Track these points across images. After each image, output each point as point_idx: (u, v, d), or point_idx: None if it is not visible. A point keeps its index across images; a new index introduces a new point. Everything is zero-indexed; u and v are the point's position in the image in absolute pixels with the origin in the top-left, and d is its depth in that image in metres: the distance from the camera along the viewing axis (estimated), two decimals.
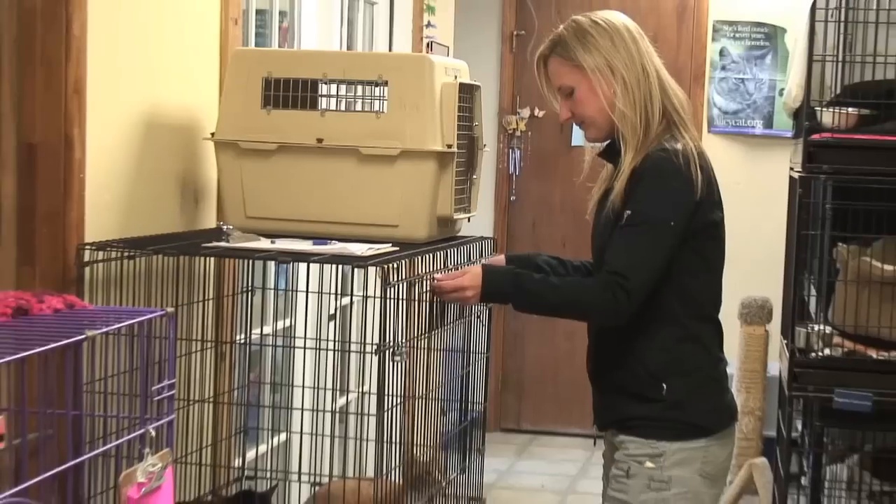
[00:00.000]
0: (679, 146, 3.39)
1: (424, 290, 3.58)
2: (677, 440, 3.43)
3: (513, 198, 8.73)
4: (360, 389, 4.72)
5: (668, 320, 3.45)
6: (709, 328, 3.56)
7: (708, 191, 3.42)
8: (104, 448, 2.39)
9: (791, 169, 5.80)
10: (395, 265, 3.40)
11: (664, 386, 3.45)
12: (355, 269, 3.44)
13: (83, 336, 2.18)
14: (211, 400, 3.87)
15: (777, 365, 6.37)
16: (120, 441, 2.38)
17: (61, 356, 2.15)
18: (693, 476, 3.43)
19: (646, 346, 3.47)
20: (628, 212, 3.36)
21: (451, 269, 3.69)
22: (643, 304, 3.38)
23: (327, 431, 4.07)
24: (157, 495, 2.32)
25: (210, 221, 4.10)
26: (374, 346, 3.36)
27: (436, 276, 3.50)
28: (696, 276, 3.47)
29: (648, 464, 3.44)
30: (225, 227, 3.72)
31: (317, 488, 3.83)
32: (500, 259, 3.75)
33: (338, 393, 4.48)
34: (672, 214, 3.36)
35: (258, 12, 4.94)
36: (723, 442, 3.52)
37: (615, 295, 3.32)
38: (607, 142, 3.55)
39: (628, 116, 3.42)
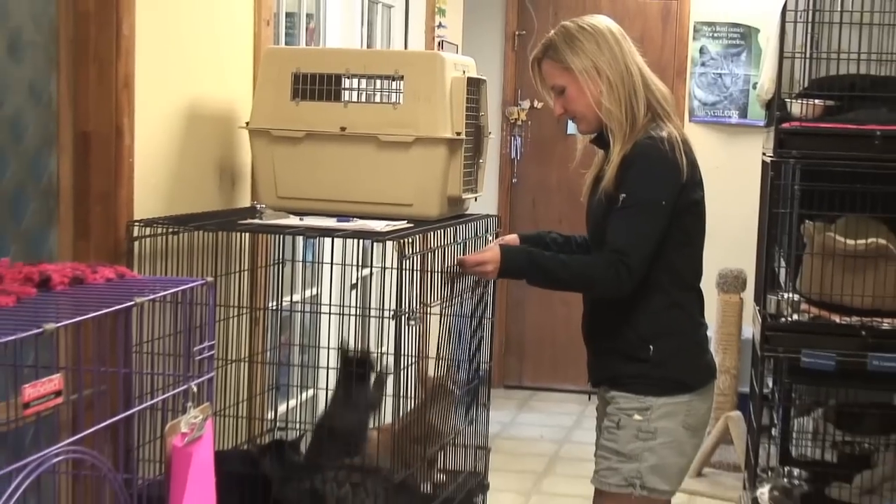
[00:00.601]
0: (664, 134, 3.40)
1: (438, 264, 3.60)
2: (663, 395, 3.46)
3: (514, 180, 8.72)
4: (379, 350, 4.72)
5: (656, 290, 3.47)
6: (691, 296, 3.60)
7: (691, 173, 3.44)
8: (151, 402, 2.40)
9: (763, 154, 5.78)
10: (410, 240, 3.41)
11: (651, 347, 3.47)
12: (375, 244, 3.42)
13: (132, 303, 2.18)
14: (246, 360, 3.88)
15: (750, 329, 6.36)
16: (165, 396, 2.38)
17: (113, 320, 2.15)
18: (677, 427, 3.47)
19: (635, 312, 3.49)
20: (623, 195, 3.38)
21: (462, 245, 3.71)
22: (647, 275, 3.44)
23: None
24: (199, 444, 2.33)
25: (245, 201, 4.10)
26: (391, 312, 3.36)
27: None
28: (680, 250, 3.49)
29: (637, 416, 3.46)
30: (258, 205, 3.72)
31: None
32: (513, 238, 3.76)
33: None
34: (662, 194, 3.39)
35: (288, 15, 4.94)
36: (703, 397, 3.56)
37: (618, 271, 3.36)
38: (597, 132, 3.57)
39: (614, 112, 3.44)
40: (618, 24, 3.62)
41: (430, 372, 3.70)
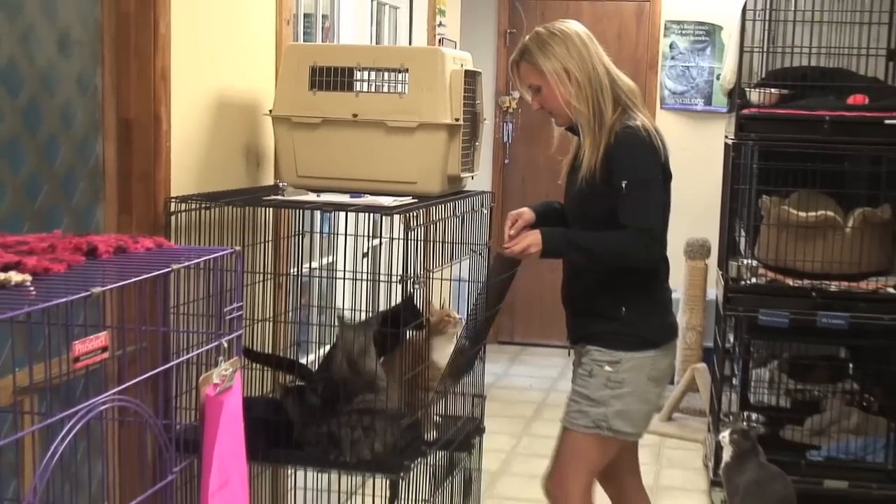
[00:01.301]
0: (638, 122, 3.43)
1: (439, 235, 3.60)
2: (631, 350, 3.51)
3: (506, 161, 8.71)
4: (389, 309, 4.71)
5: None
6: (660, 264, 3.62)
7: (665, 154, 3.51)
8: (187, 357, 2.39)
9: (726, 137, 5.78)
10: (415, 213, 3.40)
11: (623, 308, 3.51)
12: (383, 217, 3.42)
13: (170, 269, 2.18)
14: (270, 319, 3.87)
15: (714, 291, 6.37)
16: (199, 351, 2.38)
17: (153, 285, 2.14)
18: (642, 379, 3.52)
19: (611, 278, 3.50)
20: (624, 182, 3.41)
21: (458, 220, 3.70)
22: None
23: None
24: (229, 393, 2.32)
25: (268, 180, 4.09)
26: (399, 277, 3.35)
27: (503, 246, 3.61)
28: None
29: (607, 368, 3.50)
30: (280, 184, 3.71)
31: None
32: (525, 210, 3.74)
33: (370, 314, 4.48)
34: (655, 171, 3.46)
35: (306, 15, 4.92)
36: (666, 352, 3.60)
37: (647, 245, 3.45)
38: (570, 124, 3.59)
39: (581, 110, 3.47)
40: (586, 28, 3.62)
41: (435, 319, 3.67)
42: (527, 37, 3.58)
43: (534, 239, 3.51)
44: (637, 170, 3.43)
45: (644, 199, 3.44)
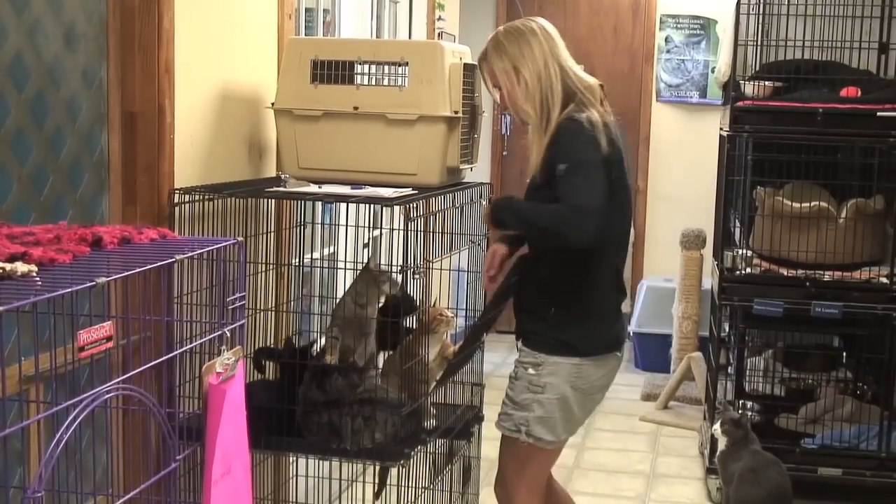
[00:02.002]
0: (584, 116, 3.28)
1: (439, 226, 3.59)
2: (553, 354, 3.37)
3: (505, 153, 8.70)
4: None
5: (568, 259, 3.34)
6: (603, 270, 3.41)
7: (610, 151, 3.27)
8: (190, 346, 2.39)
9: (721, 129, 5.77)
10: (415, 204, 3.39)
11: (552, 309, 3.38)
12: (384, 208, 3.41)
13: (173, 259, 2.17)
14: (272, 309, 3.87)
15: (709, 280, 6.36)
16: (202, 340, 2.38)
17: (157, 275, 2.14)
18: (565, 386, 3.37)
19: (548, 276, 3.39)
20: (561, 166, 3.22)
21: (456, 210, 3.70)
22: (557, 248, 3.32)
23: None
24: (232, 382, 2.32)
25: (271, 171, 4.09)
26: (399, 267, 3.35)
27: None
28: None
29: (531, 370, 3.39)
30: (283, 175, 3.71)
31: None
32: (498, 247, 3.59)
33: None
34: (595, 154, 3.23)
35: (307, 10, 4.91)
36: (598, 365, 3.41)
37: (580, 221, 3.15)
38: None
39: (529, 112, 3.38)
40: (551, 24, 3.49)
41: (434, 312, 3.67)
42: (489, 36, 3.53)
43: (486, 213, 3.48)
44: (574, 154, 3.23)
45: (579, 179, 3.19)
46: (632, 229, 3.63)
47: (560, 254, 3.36)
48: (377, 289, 3.42)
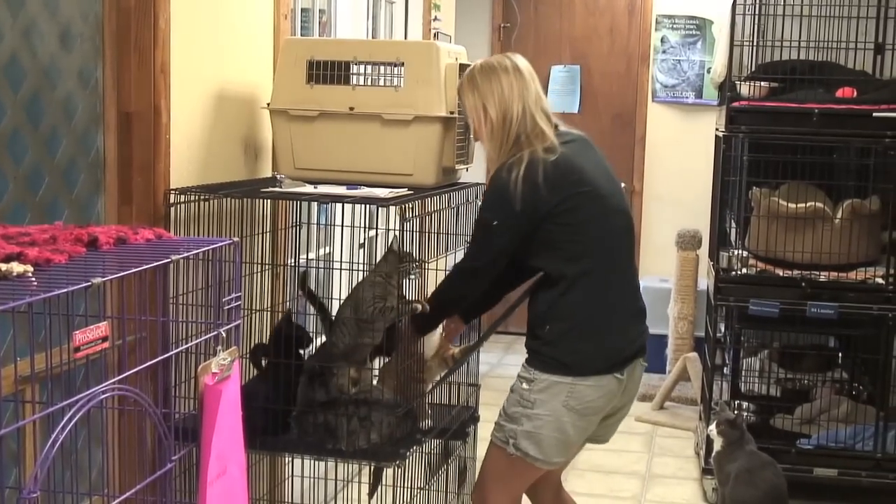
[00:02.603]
0: (514, 159, 3.32)
1: (434, 226, 3.60)
2: (545, 372, 3.36)
3: None
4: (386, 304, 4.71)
5: (557, 278, 3.36)
6: (588, 282, 3.38)
7: (534, 197, 3.29)
8: (186, 346, 2.39)
9: (716, 129, 5.78)
10: (410, 205, 3.40)
11: (547, 327, 3.39)
12: (380, 208, 3.42)
13: (169, 260, 2.18)
14: (268, 309, 3.87)
15: (705, 281, 6.37)
16: (198, 341, 2.38)
17: (152, 275, 2.14)
18: (556, 404, 3.35)
19: (543, 296, 3.41)
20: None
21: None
22: (542, 266, 3.37)
23: None
24: (228, 382, 2.32)
25: (266, 171, 4.09)
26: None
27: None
28: (566, 246, 3.34)
29: (524, 385, 3.39)
30: (278, 176, 3.71)
31: None
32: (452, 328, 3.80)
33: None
34: (500, 215, 3.33)
35: (303, 10, 4.91)
36: (594, 385, 3.37)
37: (464, 282, 3.51)
38: None
39: (489, 150, 3.44)
40: (526, 62, 3.49)
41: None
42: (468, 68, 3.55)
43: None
44: (482, 209, 3.42)
45: (477, 236, 3.44)
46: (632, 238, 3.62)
47: (555, 276, 3.37)
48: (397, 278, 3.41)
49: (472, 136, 3.64)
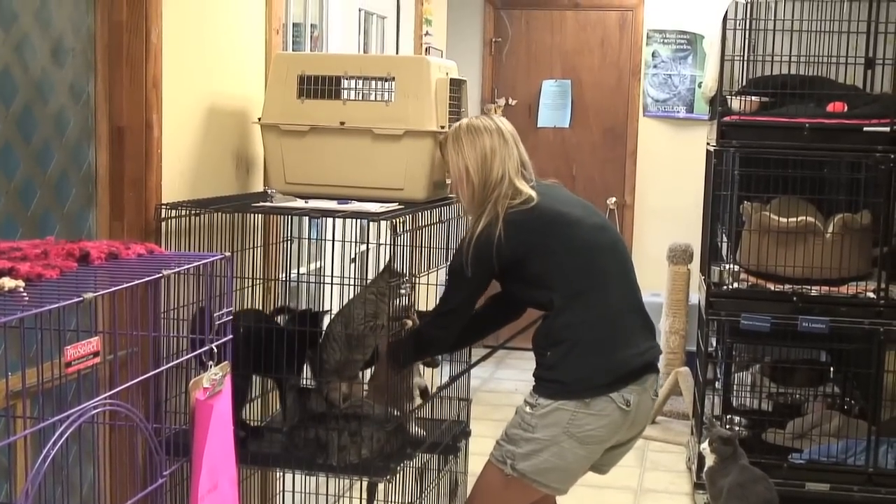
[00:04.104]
0: (483, 229, 3.38)
1: (425, 240, 3.61)
2: (549, 398, 3.38)
3: None
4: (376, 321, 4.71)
5: (549, 306, 3.41)
6: (581, 302, 3.41)
7: (502, 247, 3.36)
8: (177, 361, 2.40)
9: (707, 144, 5.79)
10: (402, 219, 3.41)
11: (548, 353, 3.42)
12: (370, 223, 3.43)
13: (161, 275, 2.18)
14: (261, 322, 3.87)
15: (697, 295, 6.38)
16: (189, 356, 2.38)
17: (144, 290, 2.15)
18: (558, 430, 3.36)
19: (541, 327, 3.46)
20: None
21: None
22: (536, 298, 3.45)
23: None
24: (219, 397, 2.33)
25: (258, 186, 4.09)
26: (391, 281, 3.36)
27: None
28: (548, 277, 3.40)
29: (527, 409, 3.42)
30: (269, 190, 3.72)
31: None
32: None
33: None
34: (465, 266, 3.38)
35: (295, 25, 4.92)
36: (595, 413, 3.37)
37: (437, 319, 3.56)
38: None
39: (468, 210, 3.50)
40: (510, 125, 3.56)
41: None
42: (455, 124, 3.57)
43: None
44: (455, 257, 3.46)
45: (448, 284, 3.50)
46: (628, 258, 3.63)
47: (547, 304, 3.42)
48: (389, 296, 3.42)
49: (448, 189, 3.67)
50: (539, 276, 3.41)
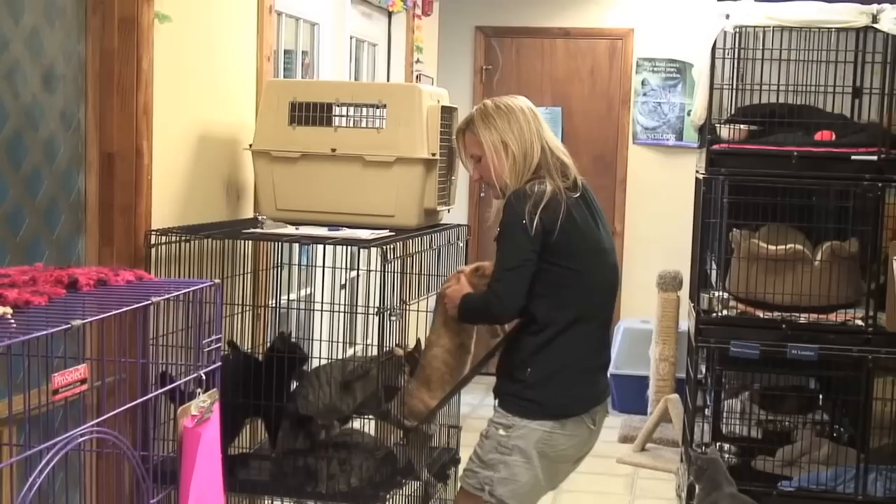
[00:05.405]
0: (535, 187, 3.32)
1: (416, 267, 3.59)
2: (525, 418, 3.35)
3: (482, 194, 8.70)
4: (365, 342, 4.71)
5: (544, 323, 3.35)
6: (578, 331, 3.40)
7: (547, 227, 3.30)
8: (166, 388, 2.38)
9: (697, 172, 5.80)
10: (392, 246, 3.40)
11: (528, 370, 3.36)
12: (361, 249, 3.42)
13: (149, 301, 2.17)
14: (249, 350, 3.86)
15: (686, 322, 6.37)
16: (178, 383, 2.37)
17: (132, 317, 2.14)
18: (533, 451, 3.34)
19: (527, 340, 3.38)
20: (498, 230, 3.37)
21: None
22: (531, 310, 3.34)
23: None
24: (207, 425, 2.31)
25: (248, 212, 4.09)
26: (376, 309, 3.35)
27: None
28: (560, 291, 3.35)
29: (501, 431, 3.37)
30: (260, 216, 3.71)
31: None
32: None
33: (347, 345, 4.47)
34: (522, 217, 3.28)
35: (286, 52, 4.92)
36: (569, 433, 3.39)
37: (488, 298, 3.37)
38: None
39: (510, 185, 3.38)
40: (531, 104, 3.51)
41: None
42: (474, 108, 3.53)
43: (459, 294, 3.47)
44: (507, 215, 3.34)
45: (502, 246, 3.36)
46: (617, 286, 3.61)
47: (542, 321, 3.36)
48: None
49: (471, 173, 3.56)
50: (554, 285, 3.35)
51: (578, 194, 3.39)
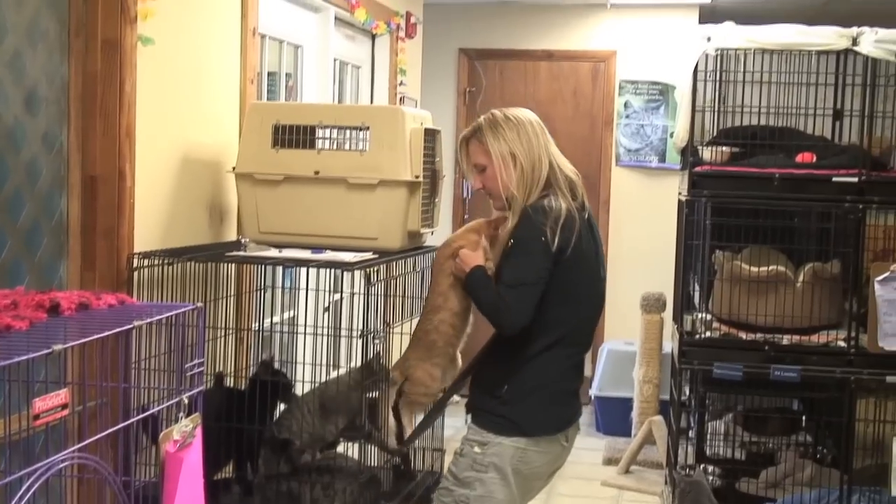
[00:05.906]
0: (548, 203, 3.28)
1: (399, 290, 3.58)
2: (500, 435, 3.31)
3: (466, 216, 8.70)
4: (349, 365, 4.69)
5: (528, 340, 3.31)
6: (560, 353, 3.38)
7: (563, 246, 3.26)
8: (148, 413, 2.37)
9: (679, 193, 5.82)
10: (376, 269, 3.40)
11: (505, 387, 3.32)
12: (344, 272, 3.41)
13: (132, 325, 2.16)
14: (232, 374, 3.84)
15: (670, 344, 6.37)
16: (160, 407, 2.36)
17: (114, 341, 2.12)
18: (507, 468, 3.31)
19: (506, 353, 3.36)
20: (510, 241, 3.29)
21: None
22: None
23: None
24: (189, 450, 2.30)
25: (231, 235, 4.08)
26: (359, 332, 3.34)
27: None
28: (549, 311, 3.29)
29: (476, 449, 3.32)
30: (243, 239, 3.70)
31: None
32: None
33: (331, 368, 4.46)
34: (540, 233, 3.24)
35: (269, 74, 4.93)
36: (541, 450, 3.37)
37: (499, 307, 3.27)
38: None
39: (518, 198, 3.33)
40: (538, 117, 3.47)
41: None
42: (481, 117, 3.50)
43: (473, 261, 3.38)
44: (523, 230, 3.28)
45: (516, 260, 3.28)
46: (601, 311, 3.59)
47: (521, 336, 3.32)
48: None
49: (473, 183, 3.50)
50: (545, 304, 3.29)
51: (586, 215, 3.37)
